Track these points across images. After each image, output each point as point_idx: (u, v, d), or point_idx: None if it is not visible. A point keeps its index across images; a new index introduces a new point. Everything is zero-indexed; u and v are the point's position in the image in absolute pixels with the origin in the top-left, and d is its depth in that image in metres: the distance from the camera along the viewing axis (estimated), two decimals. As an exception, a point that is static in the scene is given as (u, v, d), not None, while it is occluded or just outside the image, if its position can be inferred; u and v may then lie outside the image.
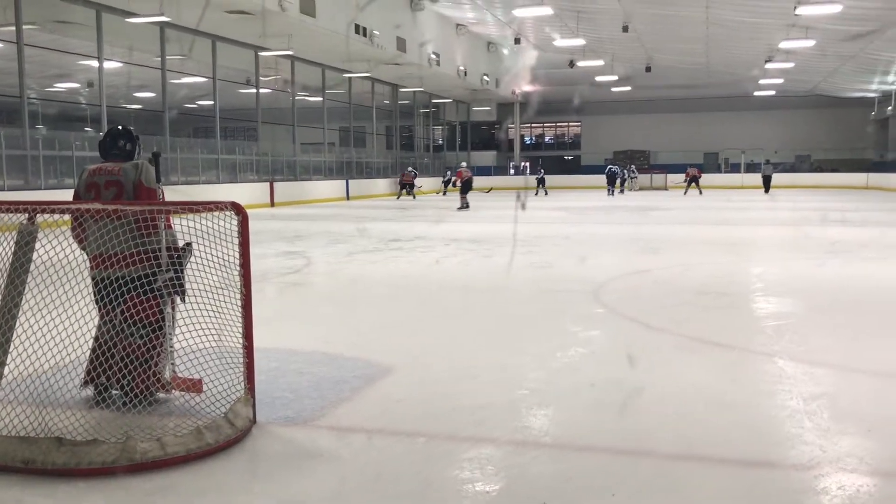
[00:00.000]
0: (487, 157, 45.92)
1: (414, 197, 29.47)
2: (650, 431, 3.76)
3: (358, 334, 5.90)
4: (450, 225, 16.92)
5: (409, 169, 31.03)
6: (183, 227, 3.86)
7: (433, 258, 10.78)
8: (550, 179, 35.48)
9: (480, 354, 5.27)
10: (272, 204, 24.44)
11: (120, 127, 4.34)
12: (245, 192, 23.23)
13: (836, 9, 19.82)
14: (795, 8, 20.44)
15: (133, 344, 3.94)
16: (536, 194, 31.94)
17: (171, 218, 3.93)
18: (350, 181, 30.34)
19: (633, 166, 37.83)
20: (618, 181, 32.67)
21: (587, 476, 3.25)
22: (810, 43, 25.13)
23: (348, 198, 29.47)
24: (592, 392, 4.41)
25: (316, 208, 24.06)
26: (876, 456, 3.40)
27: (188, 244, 3.91)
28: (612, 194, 31.30)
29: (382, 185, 33.14)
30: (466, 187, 22.77)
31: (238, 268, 3.74)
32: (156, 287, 3.89)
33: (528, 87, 43.16)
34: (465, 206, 22.08)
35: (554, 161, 46.16)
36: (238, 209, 3.70)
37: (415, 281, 8.87)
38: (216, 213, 3.74)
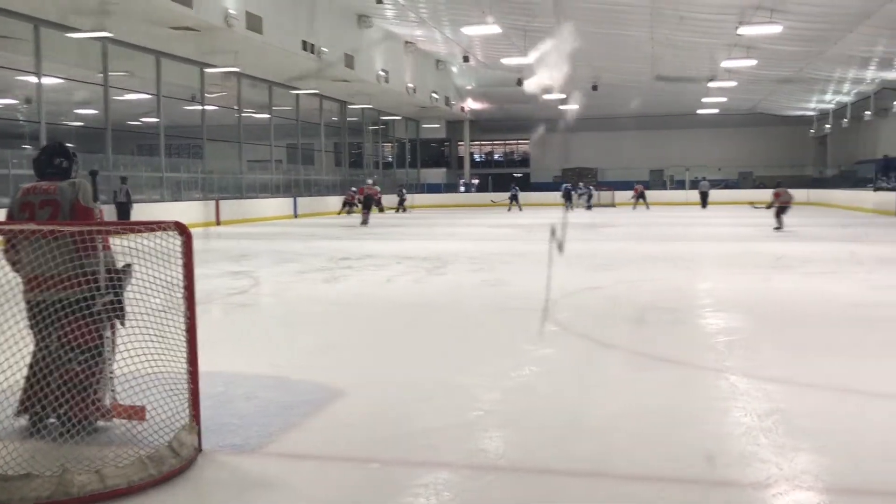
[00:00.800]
0: (437, 175, 46.03)
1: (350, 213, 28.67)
2: (606, 452, 3.72)
3: (307, 356, 5.77)
4: (402, 243, 16.83)
5: (370, 181, 30.18)
6: (124, 248, 3.72)
7: (384, 277, 10.67)
8: (498, 197, 36.74)
9: (433, 375, 5.18)
10: (218, 223, 24.05)
11: (56, 144, 4.17)
12: (190, 211, 22.82)
13: (776, 29, 20.36)
14: (737, 28, 20.94)
15: (71, 370, 3.77)
16: (510, 210, 33.48)
17: (109, 238, 3.78)
18: (298, 199, 30.06)
19: (581, 183, 38.35)
20: (574, 197, 34.36)
21: (545, 500, 3.19)
22: (752, 62, 25.78)
23: (296, 216, 29.17)
24: (547, 412, 4.36)
25: (263, 227, 23.75)
26: (831, 472, 3.41)
27: (128, 265, 3.76)
28: (569, 209, 32.61)
29: (331, 202, 32.90)
30: (368, 203, 23.61)
31: (182, 290, 3.60)
32: (94, 310, 3.73)
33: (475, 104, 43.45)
34: (363, 222, 22.95)
35: (504, 179, 46.46)
36: (182, 229, 3.57)
37: (366, 300, 8.75)
38: (158, 234, 3.61)
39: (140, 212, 19.78)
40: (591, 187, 36.12)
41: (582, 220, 25.86)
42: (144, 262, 3.65)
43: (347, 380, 4.99)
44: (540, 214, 30.46)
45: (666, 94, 37.54)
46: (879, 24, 20.08)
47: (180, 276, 3.60)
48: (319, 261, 12.74)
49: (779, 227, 18.64)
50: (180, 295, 3.60)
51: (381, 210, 31.96)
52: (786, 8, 19.55)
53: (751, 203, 25.63)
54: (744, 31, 21.00)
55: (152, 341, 3.69)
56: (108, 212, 19.10)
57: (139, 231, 3.54)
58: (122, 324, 3.84)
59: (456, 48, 31.62)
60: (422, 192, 41.18)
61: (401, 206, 33.61)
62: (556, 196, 33.62)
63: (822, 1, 19.26)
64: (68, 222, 3.77)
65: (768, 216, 19.35)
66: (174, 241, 3.59)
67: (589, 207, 34.27)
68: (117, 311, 3.78)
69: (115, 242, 3.84)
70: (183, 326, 3.64)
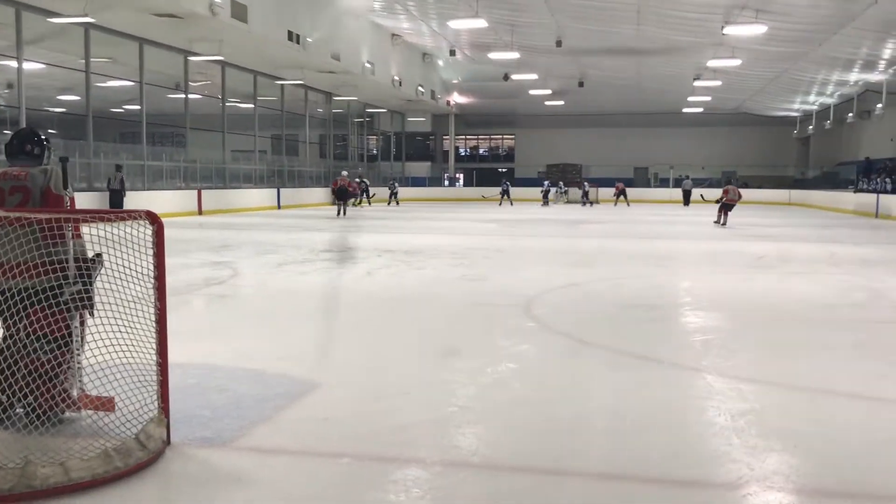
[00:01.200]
0: (422, 168, 45.98)
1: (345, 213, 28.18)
2: (579, 450, 3.71)
3: (283, 349, 5.72)
4: (384, 236, 16.77)
5: (344, 172, 30.06)
6: (94, 237, 3.66)
7: (365, 270, 10.63)
8: (483, 192, 37.64)
9: (410, 370, 5.15)
10: (200, 212, 23.90)
11: (28, 130, 4.09)
12: (172, 200, 22.68)
13: (761, 29, 20.43)
14: (723, 28, 20.99)
15: (38, 360, 3.71)
16: (500, 204, 34.03)
17: (80, 227, 3.71)
18: (282, 190, 29.91)
19: (561, 182, 38.70)
20: (552, 193, 35.47)
21: (515, 498, 3.17)
22: (737, 62, 25.87)
23: (279, 207, 29.03)
24: (522, 409, 4.34)
25: (245, 217, 23.62)
26: (801, 473, 3.41)
27: (98, 255, 3.70)
28: (547, 205, 33.86)
29: (315, 194, 32.77)
30: (340, 195, 24.55)
31: (153, 280, 3.55)
32: (63, 300, 3.66)
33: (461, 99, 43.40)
34: (338, 212, 24.13)
35: (488, 173, 46.49)
36: (153, 218, 3.51)
37: (345, 293, 8.70)
38: (129, 223, 3.55)
39: (133, 200, 20.02)
40: (587, 184, 36.25)
41: (564, 216, 25.90)
42: (116, 251, 3.59)
43: (323, 374, 4.96)
44: (525, 210, 30.52)
45: (651, 93, 37.64)
46: (863, 26, 20.19)
47: (152, 266, 3.55)
48: (300, 253, 12.67)
49: (717, 222, 20.08)
50: (150, 286, 3.55)
51: (365, 203, 31.93)
52: (771, 8, 19.62)
53: (702, 197, 27.19)
54: (729, 30, 21.06)
55: (123, 332, 3.64)
56: (102, 199, 19.11)
57: (109, 220, 3.47)
58: (91, 314, 3.78)
59: (443, 42, 31.52)
60: (406, 185, 41.07)
61: (392, 199, 33.55)
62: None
63: (806, 2, 19.34)
64: (37, 209, 3.71)
65: (750, 216, 19.46)
66: (147, 231, 3.54)
67: (546, 203, 34.66)
68: (85, 301, 3.72)
69: (86, 231, 3.78)
70: (153, 318, 3.59)
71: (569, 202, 37.20)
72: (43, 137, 4.01)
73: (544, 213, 27.63)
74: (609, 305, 7.89)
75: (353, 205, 29.82)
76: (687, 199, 34.71)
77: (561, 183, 38.35)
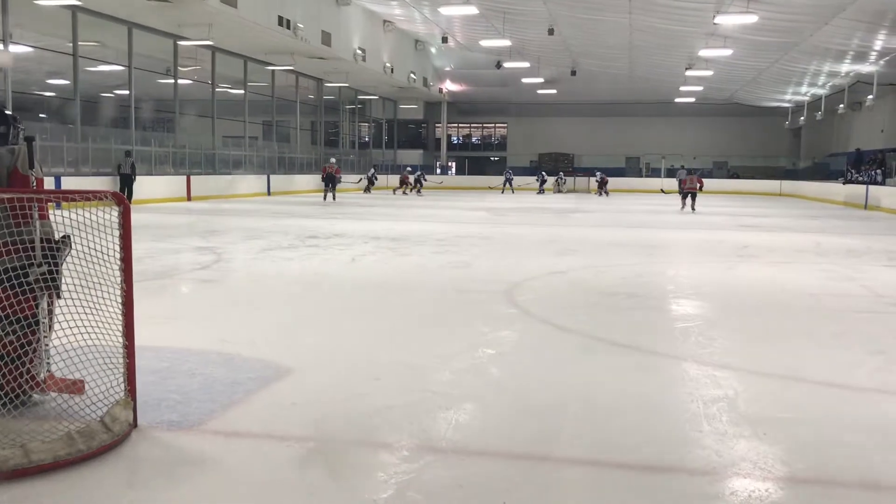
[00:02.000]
0: (414, 156, 45.83)
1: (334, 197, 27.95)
2: (549, 435, 3.69)
3: (260, 334, 5.69)
4: (372, 223, 16.73)
5: (332, 160, 30.12)
6: (64, 219, 3.62)
7: (349, 256, 10.59)
8: (475, 180, 38.85)
9: (385, 355, 5.13)
10: (189, 198, 23.80)
11: (-8, 108, 4.03)
12: (161, 186, 22.58)
13: (752, 19, 20.38)
14: (714, 17, 20.94)
15: (4, 340, 3.66)
16: (503, 192, 35.49)
17: (45, 207, 3.66)
18: (272, 176, 29.80)
19: (561, 172, 38.94)
20: (549, 182, 36.62)
21: (479, 482, 3.15)
22: (728, 52, 25.82)
23: (269, 193, 28.94)
24: (496, 395, 4.32)
25: (234, 203, 23.53)
26: (769, 460, 3.40)
27: (66, 237, 3.66)
28: (542, 193, 34.90)
29: (305, 180, 32.67)
30: (328, 181, 25.50)
31: (119, 262, 3.51)
32: (29, 280, 3.62)
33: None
34: (324, 197, 25.36)
35: (480, 162, 46.45)
36: (119, 199, 3.47)
37: (328, 279, 8.67)
38: (98, 204, 3.51)
39: (141, 184, 21.05)
40: (599, 173, 36.31)
41: (555, 205, 25.88)
42: (84, 233, 3.55)
43: (298, 359, 4.93)
44: (518, 198, 30.52)
45: (644, 82, 37.59)
46: (854, 16, 20.16)
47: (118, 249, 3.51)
48: (287, 238, 12.62)
49: (683, 209, 22.70)
50: (117, 267, 3.51)
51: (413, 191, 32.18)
52: (762, -2, 19.58)
53: (662, 190, 28.41)
54: (721, 19, 21.01)
55: (91, 314, 3.60)
56: (112, 182, 19.73)
57: (74, 200, 3.43)
58: (58, 296, 3.73)
59: (435, 29, 31.43)
60: (398, 173, 40.91)
61: (418, 185, 33.08)
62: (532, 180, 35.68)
63: (798, -8, 19.32)
64: (2, 188, 3.66)
65: (740, 206, 19.51)
66: (113, 213, 3.50)
67: (604, 193, 34.78)
68: (51, 283, 3.67)
69: (56, 213, 3.74)
70: (120, 300, 3.55)
71: (570, 191, 37.42)
72: (9, 114, 3.95)
73: (536, 202, 27.60)
74: (591, 293, 7.87)
75: (405, 192, 32.01)
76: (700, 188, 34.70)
77: (561, 173, 38.55)
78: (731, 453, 3.45)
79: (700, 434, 3.70)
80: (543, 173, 36.77)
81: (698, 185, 22.81)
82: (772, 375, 4.82)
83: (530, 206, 25.19)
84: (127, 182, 20.56)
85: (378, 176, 34.99)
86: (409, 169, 34.49)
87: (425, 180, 33.97)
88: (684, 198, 23.19)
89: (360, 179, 33.16)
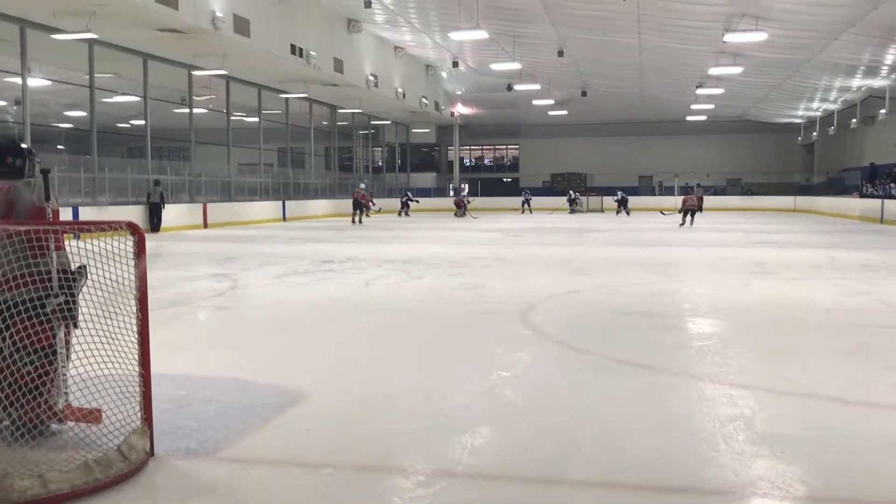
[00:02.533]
0: (427, 179, 46.00)
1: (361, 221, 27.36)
2: (565, 457, 3.67)
3: (275, 360, 5.70)
4: (386, 246, 16.76)
5: (362, 185, 30.33)
6: (79, 249, 3.65)
7: (364, 280, 10.61)
8: (488, 202, 38.81)
9: (400, 380, 5.12)
10: (205, 225, 23.95)
11: (9, 142, 4.08)
12: (177, 214, 22.74)
13: (762, 36, 20.37)
14: (723, 35, 20.95)
15: (21, 371, 3.69)
16: (522, 212, 36.57)
17: (61, 238, 3.70)
18: (287, 202, 29.97)
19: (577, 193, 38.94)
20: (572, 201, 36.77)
21: (496, 506, 3.13)
22: (738, 69, 25.80)
23: (285, 219, 29.08)
24: (511, 417, 4.31)
25: (250, 229, 23.66)
26: (788, 479, 3.36)
27: (82, 266, 3.69)
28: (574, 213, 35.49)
29: (320, 205, 32.82)
30: (356, 206, 26.75)
31: (135, 291, 3.54)
32: (46, 311, 3.65)
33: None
34: (352, 221, 26.62)
35: (493, 184, 46.50)
36: (134, 229, 3.50)
37: (342, 304, 8.68)
38: (113, 234, 3.54)
39: (169, 212, 21.90)
40: (620, 192, 36.51)
41: (569, 225, 25.85)
42: (100, 263, 3.58)
43: (313, 384, 4.93)
44: (537, 219, 30.52)
45: (654, 101, 37.60)
46: (864, 31, 20.12)
47: (134, 279, 3.54)
48: (302, 264, 12.66)
49: (683, 224, 23.74)
50: (132, 297, 3.53)
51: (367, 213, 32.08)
52: (771, 16, 19.56)
53: (661, 213, 29.01)
54: (730, 38, 21.01)
55: (108, 343, 3.63)
56: (139, 212, 20.65)
57: (89, 231, 3.46)
58: (75, 325, 3.76)
59: (445, 54, 31.60)
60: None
61: (462, 211, 33.18)
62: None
63: (806, 9, 19.29)
64: (18, 221, 3.70)
65: (755, 223, 19.42)
66: (128, 242, 3.53)
67: (626, 212, 35.02)
68: (68, 314, 3.70)
69: (73, 244, 3.78)
70: (136, 329, 3.57)
71: (589, 211, 37.27)
72: (26, 148, 4.01)
73: (549, 222, 27.57)
74: (606, 312, 7.84)
75: (461, 214, 32.43)
76: (700, 207, 34.50)
77: (576, 193, 38.47)
78: (749, 473, 3.42)
79: (717, 454, 3.67)
80: (572, 192, 37.03)
81: (698, 202, 24.95)
82: (789, 393, 4.78)
83: (544, 226, 25.17)
84: (156, 211, 21.30)
85: (414, 199, 34.89)
86: (464, 192, 35.36)
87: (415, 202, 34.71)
88: (685, 215, 24.27)
89: (380, 209, 32.99)
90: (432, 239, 19.36)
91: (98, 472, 3.24)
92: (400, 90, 32.75)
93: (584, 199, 38.32)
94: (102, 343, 3.62)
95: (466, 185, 46.09)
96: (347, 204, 34.57)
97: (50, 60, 21.34)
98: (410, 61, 33.95)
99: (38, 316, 3.62)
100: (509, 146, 49.29)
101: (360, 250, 15.55)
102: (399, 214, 33.77)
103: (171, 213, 22.18)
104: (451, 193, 35.46)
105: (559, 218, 31.62)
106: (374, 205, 28.61)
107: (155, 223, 21.29)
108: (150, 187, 21.73)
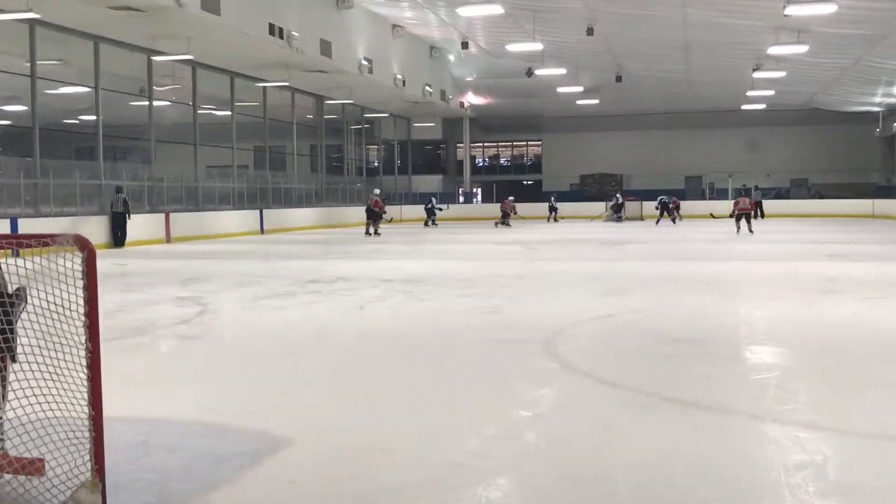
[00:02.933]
0: (432, 182, 46.01)
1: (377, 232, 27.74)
2: (598, 514, 3.67)
3: (252, 400, 5.71)
4: (382, 262, 16.80)
5: (376, 191, 30.39)
6: (18, 269, 3.68)
7: (357, 303, 10.64)
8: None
9: (401, 423, 5.13)
10: (168, 239, 24.07)
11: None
12: (134, 226, 22.82)
13: (830, 8, 20.42)
14: (785, 7, 20.99)
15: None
16: (548, 221, 37.06)
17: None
18: (265, 211, 30.09)
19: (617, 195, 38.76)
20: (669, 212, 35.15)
21: (515, 573, 3.13)
22: (803, 48, 25.85)
23: (262, 231, 29.19)
24: (532, 465, 4.31)
25: (222, 244, 23.76)
26: (866, 539, 3.35)
27: (20, 289, 3.71)
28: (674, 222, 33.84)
29: (305, 215, 32.94)
30: (369, 215, 27.29)
31: (83, 318, 3.55)
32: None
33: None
34: (366, 232, 27.26)
35: (511, 186, 46.46)
36: (83, 244, 3.52)
37: (332, 331, 8.71)
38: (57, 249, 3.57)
39: (134, 223, 22.05)
40: (675, 198, 36.32)
41: (598, 236, 25.88)
42: (43, 284, 3.60)
43: (298, 427, 4.95)
44: (562, 229, 30.55)
45: (703, 87, 37.66)
46: (952, 2, 20.17)
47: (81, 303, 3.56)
48: (283, 284, 12.71)
49: (738, 232, 24.30)
50: (80, 324, 3.55)
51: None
52: (841, -16, 19.65)
53: (711, 215, 29.33)
54: (792, 10, 21.06)
55: (53, 381, 3.64)
56: (101, 224, 20.96)
57: (29, 246, 3.48)
58: (14, 359, 3.78)
59: (453, 33, 31.75)
60: (413, 202, 41.16)
61: (506, 220, 33.65)
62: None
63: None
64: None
65: (824, 231, 19.41)
66: (76, 260, 3.55)
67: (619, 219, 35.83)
68: (6, 343, 3.72)
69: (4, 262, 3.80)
70: (85, 363, 3.59)
71: (628, 219, 36.81)
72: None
73: (575, 233, 27.60)
74: (646, 340, 7.85)
75: (506, 223, 33.20)
76: (761, 212, 35.07)
77: (619, 196, 38.24)
78: (820, 532, 3.41)
79: (781, 509, 3.66)
80: (663, 198, 35.43)
81: (753, 207, 25.42)
82: (866, 435, 4.77)
83: (569, 237, 25.19)
84: (119, 222, 21.56)
85: (439, 206, 35.28)
86: (511, 197, 35.68)
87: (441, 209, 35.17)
88: (738, 220, 24.82)
89: (392, 218, 33.40)
90: (438, 253, 19.45)
91: (40, 534, 3.25)
92: (399, 77, 32.91)
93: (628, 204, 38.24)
94: (45, 380, 3.63)
95: (469, 191, 46.28)
96: (337, 213, 34.91)
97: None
98: (411, 42, 34.12)
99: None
100: (530, 143, 49.47)
101: (352, 267, 15.59)
102: (426, 224, 34.05)
103: (131, 226, 22.28)
104: (511, 198, 35.95)
105: (595, 228, 31.63)
106: (385, 213, 28.78)
107: (119, 237, 21.43)
108: (112, 195, 21.83)
